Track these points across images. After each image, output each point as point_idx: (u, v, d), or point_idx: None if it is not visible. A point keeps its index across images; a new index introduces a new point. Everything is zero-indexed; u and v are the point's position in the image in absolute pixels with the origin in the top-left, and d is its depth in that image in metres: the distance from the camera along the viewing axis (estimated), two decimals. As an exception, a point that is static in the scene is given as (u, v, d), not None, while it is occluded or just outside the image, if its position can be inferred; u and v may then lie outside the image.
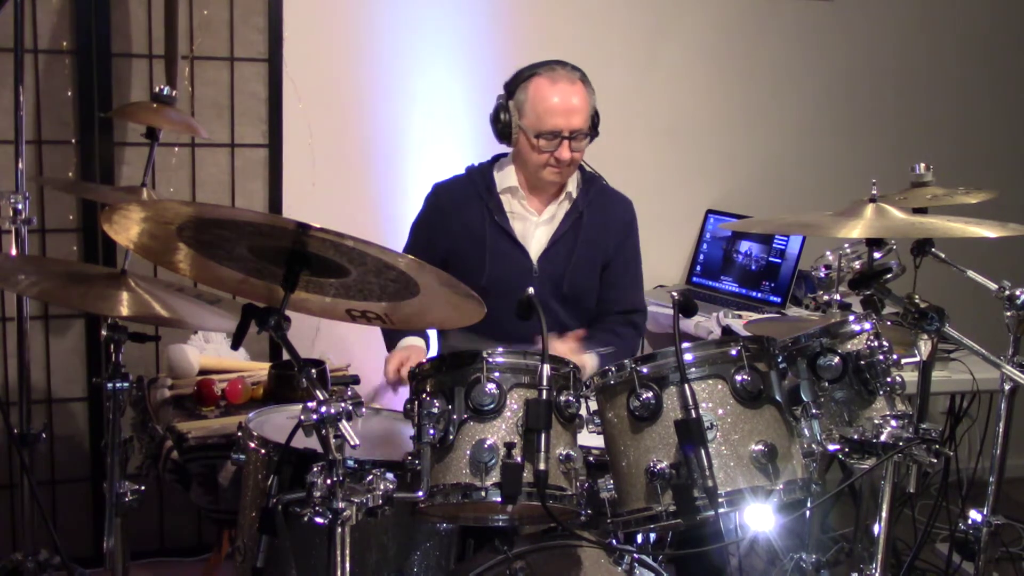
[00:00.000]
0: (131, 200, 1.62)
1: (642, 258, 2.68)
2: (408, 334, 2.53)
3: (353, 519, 1.44)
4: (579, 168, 2.61)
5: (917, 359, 1.81)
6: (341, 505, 1.42)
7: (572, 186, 2.56)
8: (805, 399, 1.65)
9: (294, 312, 1.59)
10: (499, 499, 1.51)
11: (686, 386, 1.48)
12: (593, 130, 2.49)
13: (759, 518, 1.59)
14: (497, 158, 2.62)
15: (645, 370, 1.54)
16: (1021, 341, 2.15)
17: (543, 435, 1.49)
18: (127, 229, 1.52)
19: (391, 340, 2.57)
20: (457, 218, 2.53)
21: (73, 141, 2.99)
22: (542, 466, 1.47)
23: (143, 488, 2.11)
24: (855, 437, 1.64)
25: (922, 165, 2.50)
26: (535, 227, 2.55)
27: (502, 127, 2.48)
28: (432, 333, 2.68)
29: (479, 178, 2.57)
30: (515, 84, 2.47)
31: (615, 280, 2.60)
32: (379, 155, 3.32)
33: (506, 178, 2.55)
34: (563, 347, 2.34)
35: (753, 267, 3.47)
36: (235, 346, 1.56)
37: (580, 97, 2.42)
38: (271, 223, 1.46)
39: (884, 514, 1.86)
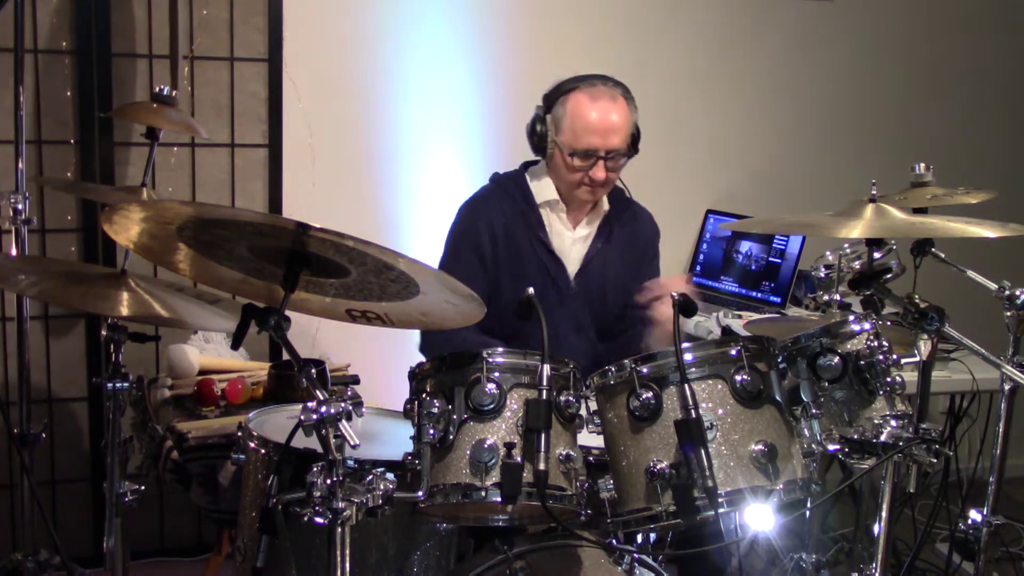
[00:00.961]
0: (131, 200, 1.62)
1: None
2: None
3: (353, 519, 1.44)
4: None
5: (917, 359, 1.81)
6: (341, 505, 1.42)
7: (604, 201, 2.51)
8: (805, 399, 1.65)
9: (294, 312, 1.59)
10: (499, 499, 1.50)
11: (686, 386, 1.48)
12: (632, 148, 2.41)
13: (759, 518, 1.59)
14: (527, 166, 2.54)
15: (645, 370, 1.54)
16: (1021, 341, 2.16)
17: (543, 435, 1.49)
18: (127, 229, 1.52)
19: None
20: (500, 233, 2.42)
21: (73, 141, 2.99)
22: (542, 466, 1.47)
23: (143, 488, 2.11)
24: (855, 437, 1.64)
25: (922, 165, 2.50)
26: (572, 243, 2.48)
27: (538, 140, 2.40)
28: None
29: (515, 190, 2.47)
30: (554, 97, 2.39)
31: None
32: (379, 155, 3.32)
33: (545, 190, 2.45)
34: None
35: (753, 267, 3.47)
36: (235, 346, 1.56)
37: (620, 115, 2.34)
38: (271, 223, 1.46)
39: (884, 514, 1.86)
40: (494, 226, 2.43)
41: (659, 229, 2.62)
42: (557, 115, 2.37)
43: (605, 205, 2.51)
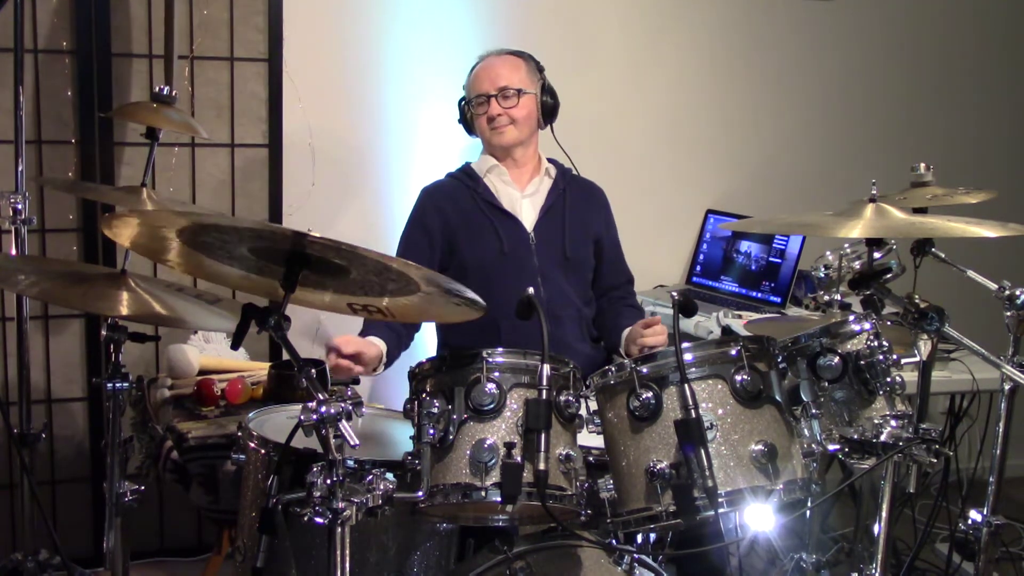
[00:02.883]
0: (130, 211, 1.63)
1: (641, 258, 2.80)
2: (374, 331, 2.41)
3: (353, 519, 1.44)
4: (552, 161, 2.76)
5: (917, 359, 1.81)
6: (341, 505, 1.42)
7: (550, 167, 2.73)
8: (805, 399, 1.65)
9: (295, 306, 1.59)
10: (499, 499, 1.50)
11: (686, 386, 1.48)
12: (552, 101, 2.67)
13: (759, 518, 1.59)
14: None
15: (645, 370, 1.54)
16: (1021, 341, 2.15)
17: (543, 435, 1.49)
18: (126, 233, 1.52)
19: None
20: (451, 208, 2.64)
21: (73, 141, 2.99)
22: (542, 466, 1.47)
23: (143, 488, 2.11)
24: (855, 437, 1.64)
25: (922, 165, 2.50)
26: (521, 200, 2.67)
27: (462, 117, 2.74)
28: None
29: (461, 174, 2.72)
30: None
31: (610, 256, 2.77)
32: (379, 154, 3.32)
33: (485, 162, 2.70)
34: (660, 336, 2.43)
35: (753, 267, 3.47)
36: (235, 346, 1.56)
37: (502, 64, 2.65)
38: (269, 231, 1.46)
39: (884, 514, 1.86)
40: (442, 204, 2.67)
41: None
42: (465, 88, 2.73)
43: (552, 171, 2.73)
